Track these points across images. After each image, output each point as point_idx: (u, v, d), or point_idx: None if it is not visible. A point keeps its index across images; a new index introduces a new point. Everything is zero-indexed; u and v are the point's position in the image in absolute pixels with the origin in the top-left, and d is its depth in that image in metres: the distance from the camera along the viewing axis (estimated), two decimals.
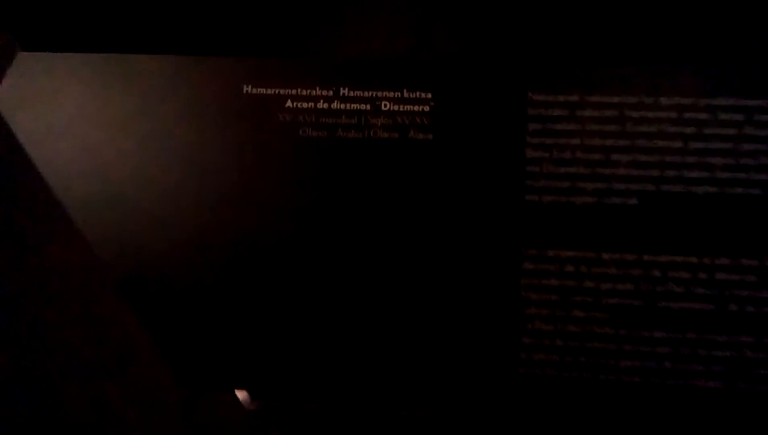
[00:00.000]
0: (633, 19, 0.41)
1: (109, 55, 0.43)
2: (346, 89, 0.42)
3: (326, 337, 0.42)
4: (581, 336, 0.40)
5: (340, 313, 0.42)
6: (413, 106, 0.42)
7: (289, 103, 0.42)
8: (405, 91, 0.42)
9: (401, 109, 0.42)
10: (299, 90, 0.42)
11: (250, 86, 0.42)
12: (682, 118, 0.40)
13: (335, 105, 0.42)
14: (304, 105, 0.42)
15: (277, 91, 0.42)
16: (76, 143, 0.43)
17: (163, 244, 0.42)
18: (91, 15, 0.44)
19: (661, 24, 0.41)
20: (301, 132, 0.42)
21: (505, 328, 0.41)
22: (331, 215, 0.42)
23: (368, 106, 0.42)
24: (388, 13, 0.43)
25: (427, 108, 0.42)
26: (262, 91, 0.42)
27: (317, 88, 0.42)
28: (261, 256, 0.42)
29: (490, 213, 0.41)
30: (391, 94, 0.42)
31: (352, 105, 0.42)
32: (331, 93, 0.42)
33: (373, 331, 0.41)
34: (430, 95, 0.42)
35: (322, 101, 0.42)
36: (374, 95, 0.42)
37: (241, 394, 0.44)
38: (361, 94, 0.42)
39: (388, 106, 0.42)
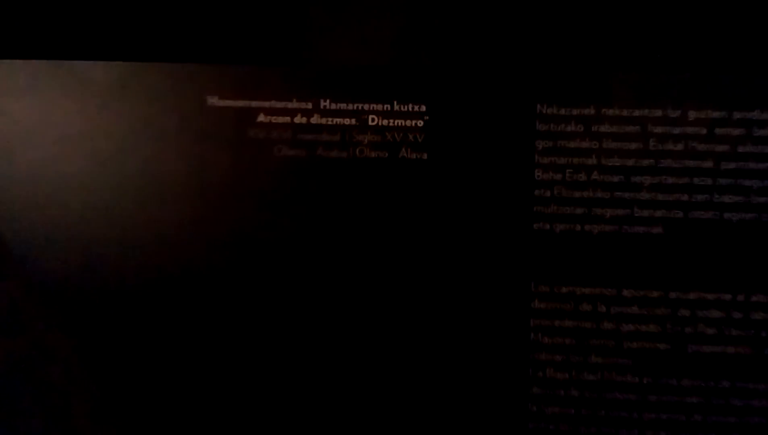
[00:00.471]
0: (657, 22, 0.36)
1: (53, 62, 0.37)
2: (328, 101, 0.36)
3: (316, 385, 0.36)
4: (599, 385, 0.35)
5: (329, 359, 0.36)
6: (405, 120, 0.36)
7: (261, 118, 0.37)
8: (395, 103, 0.36)
9: (391, 124, 0.36)
10: (273, 102, 0.37)
11: (215, 98, 0.37)
12: (713, 135, 0.35)
13: (315, 119, 0.36)
14: (279, 119, 0.36)
15: (247, 104, 0.37)
16: (17, 159, 0.37)
17: (112, 277, 0.37)
18: (37, 20, 0.38)
19: (690, 27, 0.36)
20: (275, 150, 0.37)
21: (512, 376, 0.35)
22: (310, 247, 0.36)
23: (353, 121, 0.36)
24: (374, 17, 0.37)
25: (420, 123, 0.36)
26: (230, 103, 0.37)
27: (294, 100, 0.36)
28: (229, 293, 0.36)
29: (494, 244, 0.35)
30: (380, 107, 0.36)
31: (335, 119, 0.36)
32: (310, 106, 0.36)
33: (363, 383, 0.36)
34: (424, 108, 0.36)
35: (299, 115, 0.36)
36: (360, 108, 0.36)
37: None
38: (345, 107, 0.36)
39: (375, 120, 0.36)
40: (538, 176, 0.36)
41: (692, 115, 0.35)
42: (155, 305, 0.37)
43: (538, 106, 0.36)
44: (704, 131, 0.35)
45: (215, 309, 0.37)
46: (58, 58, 0.37)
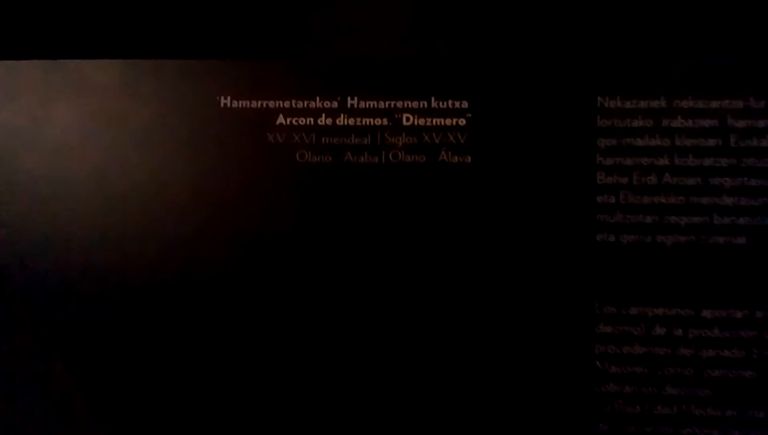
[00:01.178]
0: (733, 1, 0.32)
1: (50, 62, 0.33)
2: (356, 99, 0.32)
3: (346, 413, 0.32)
4: (676, 420, 0.30)
5: (363, 381, 0.32)
6: (444, 119, 0.32)
7: (281, 120, 0.32)
8: (433, 99, 0.32)
9: (429, 123, 0.32)
10: (294, 102, 0.32)
11: (228, 98, 0.32)
12: None
13: (341, 120, 0.32)
14: (301, 121, 0.32)
15: (264, 104, 0.32)
16: (16, 165, 0.33)
17: (115, 289, 0.33)
18: (34, 17, 0.34)
19: None
20: (298, 156, 0.32)
21: (575, 411, 0.31)
22: (339, 264, 0.32)
23: (385, 121, 0.32)
24: (408, 1, 0.33)
25: (462, 121, 0.32)
26: (245, 104, 0.32)
27: (317, 99, 0.32)
28: (248, 315, 0.32)
29: (551, 260, 0.31)
30: (415, 105, 0.32)
31: (364, 120, 0.32)
32: (335, 105, 0.32)
33: (400, 413, 0.32)
34: (466, 104, 0.32)
35: (324, 116, 0.32)
36: (392, 106, 0.32)
37: None
38: (376, 106, 0.32)
39: (411, 119, 0.32)
40: (601, 180, 0.31)
41: None
42: (163, 322, 0.33)
43: (599, 98, 0.31)
44: None
45: (232, 330, 0.32)
46: (54, 58, 0.33)
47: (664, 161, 0.31)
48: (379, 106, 0.32)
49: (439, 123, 0.32)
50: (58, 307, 0.33)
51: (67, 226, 0.33)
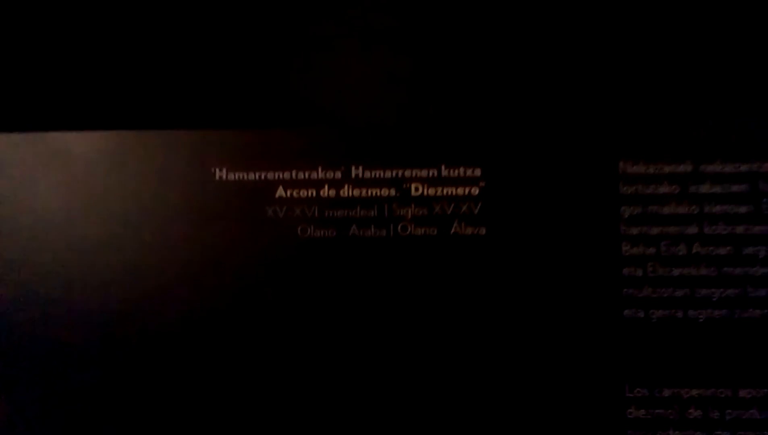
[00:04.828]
0: (760, 60, 0.30)
1: (46, 134, 0.31)
2: (361, 169, 0.30)
3: None
4: None
5: None
6: (456, 188, 0.30)
7: (280, 192, 0.30)
8: (443, 167, 0.30)
9: (439, 193, 0.30)
10: (294, 173, 0.30)
11: (224, 170, 0.30)
12: None
13: (346, 192, 0.30)
14: (303, 193, 0.30)
15: (262, 176, 0.30)
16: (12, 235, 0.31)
17: (105, 373, 0.30)
18: (19, 88, 0.32)
19: None
20: (299, 231, 0.30)
21: None
22: (346, 344, 0.29)
23: (393, 192, 0.30)
24: (415, 64, 0.31)
25: (476, 190, 0.30)
26: (242, 176, 0.30)
27: (319, 170, 0.30)
28: (249, 394, 0.30)
29: (576, 339, 0.29)
30: (424, 173, 0.30)
31: (370, 190, 0.30)
32: (339, 175, 0.30)
33: None
34: (479, 172, 0.30)
35: (327, 187, 0.30)
36: (400, 175, 0.30)
37: None
38: (382, 175, 0.30)
39: (420, 189, 0.30)
40: (627, 251, 0.29)
41: None
42: (156, 402, 0.30)
43: (621, 163, 0.29)
44: None
45: (232, 409, 0.30)
46: (38, 130, 0.31)
47: (693, 230, 0.29)
48: (386, 176, 0.30)
49: (450, 192, 0.30)
50: (44, 383, 0.30)
51: (53, 303, 0.30)
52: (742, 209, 0.29)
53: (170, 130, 0.30)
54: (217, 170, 0.30)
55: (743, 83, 0.30)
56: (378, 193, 0.30)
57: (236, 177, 0.30)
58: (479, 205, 0.30)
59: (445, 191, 0.30)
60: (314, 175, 0.30)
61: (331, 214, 0.30)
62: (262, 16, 0.32)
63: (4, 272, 0.31)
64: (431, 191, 0.30)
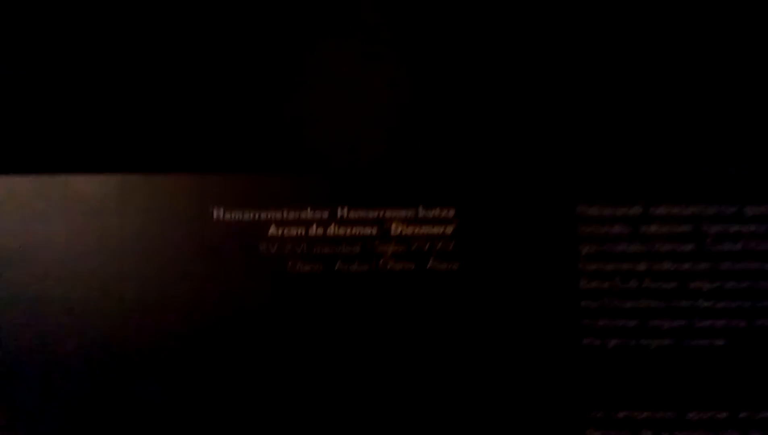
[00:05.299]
0: (707, 111, 0.33)
1: (51, 177, 0.33)
2: (345, 209, 0.33)
3: None
4: None
5: None
6: (432, 227, 0.33)
7: (272, 230, 0.33)
8: (421, 208, 0.33)
9: (417, 232, 0.33)
10: (285, 213, 0.33)
11: (221, 210, 0.33)
12: None
13: (332, 230, 0.33)
14: (293, 232, 0.33)
15: (256, 216, 0.33)
16: (4, 281, 0.33)
17: (111, 411, 0.33)
18: (27, 132, 0.35)
19: (743, 119, 0.33)
20: (289, 265, 0.33)
21: None
22: (331, 368, 0.32)
23: (375, 230, 0.33)
24: (393, 113, 0.34)
25: (449, 229, 0.33)
26: (238, 216, 0.33)
27: (308, 210, 0.33)
28: (240, 423, 0.32)
29: (538, 364, 0.32)
30: (403, 214, 0.33)
31: (354, 229, 0.33)
32: (326, 215, 0.33)
33: None
34: (452, 213, 0.33)
35: (315, 226, 0.33)
36: (382, 215, 0.33)
37: None
38: (365, 215, 0.33)
39: (399, 228, 0.33)
40: (584, 285, 0.32)
41: (750, 211, 0.32)
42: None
43: (579, 206, 0.33)
44: (764, 229, 0.32)
45: None
46: (46, 172, 0.34)
47: (643, 266, 0.32)
48: (369, 216, 0.33)
49: (427, 232, 0.33)
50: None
51: (61, 342, 0.33)
52: (687, 248, 0.32)
53: (173, 173, 0.33)
54: (215, 210, 0.33)
55: (687, 134, 0.34)
56: (361, 232, 0.33)
57: (232, 216, 0.33)
58: (453, 242, 0.33)
59: (422, 230, 0.33)
60: (303, 215, 0.33)
61: (318, 251, 0.33)
62: (255, 74, 0.35)
63: (16, 304, 0.33)
64: (409, 230, 0.33)
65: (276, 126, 0.35)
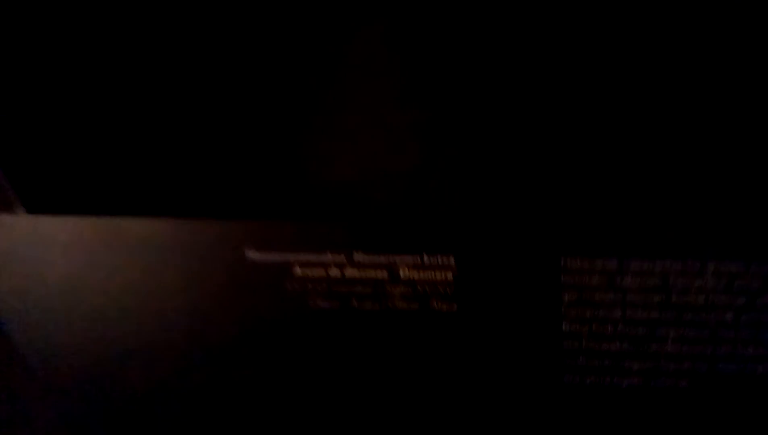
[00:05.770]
0: (673, 179, 0.38)
1: (97, 219, 0.39)
2: (360, 254, 0.38)
3: None
4: None
5: None
6: (434, 272, 0.38)
7: (297, 271, 0.38)
8: (425, 255, 0.38)
9: (421, 276, 0.38)
10: (309, 256, 0.38)
11: (254, 252, 0.39)
12: (732, 287, 0.36)
13: (349, 272, 0.38)
14: (315, 272, 0.38)
15: (284, 258, 0.38)
16: (57, 316, 0.38)
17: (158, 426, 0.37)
18: (78, 174, 0.41)
19: (706, 183, 0.38)
20: (311, 302, 0.38)
21: None
22: (344, 394, 0.37)
23: (385, 274, 0.38)
24: (404, 169, 0.40)
25: (450, 275, 0.38)
26: (268, 257, 0.38)
27: (328, 254, 0.38)
28: None
29: (525, 396, 0.36)
30: (410, 260, 0.38)
31: (368, 272, 0.38)
32: (343, 259, 0.38)
33: None
34: (452, 260, 0.38)
35: (333, 268, 0.38)
36: (392, 261, 0.38)
37: None
38: (378, 260, 0.38)
39: (406, 272, 0.38)
40: (566, 328, 0.37)
41: (711, 267, 0.37)
42: None
43: (563, 259, 0.37)
44: (723, 283, 0.37)
45: None
46: (97, 214, 0.39)
47: (617, 313, 0.37)
48: (380, 261, 0.38)
49: (430, 276, 0.38)
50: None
51: (108, 377, 0.38)
52: (656, 298, 0.37)
53: (214, 219, 0.39)
54: (248, 252, 0.39)
55: (657, 193, 0.39)
56: (373, 275, 0.38)
57: (263, 258, 0.38)
58: (452, 287, 0.38)
59: (426, 275, 0.38)
60: (324, 259, 0.38)
61: (336, 290, 0.38)
62: (283, 137, 0.41)
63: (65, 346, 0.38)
64: (415, 274, 0.38)
65: (300, 182, 0.40)
